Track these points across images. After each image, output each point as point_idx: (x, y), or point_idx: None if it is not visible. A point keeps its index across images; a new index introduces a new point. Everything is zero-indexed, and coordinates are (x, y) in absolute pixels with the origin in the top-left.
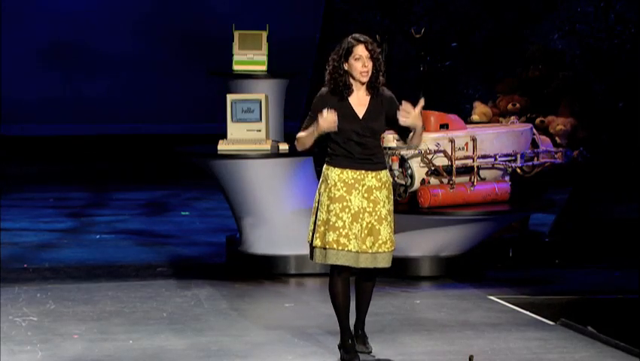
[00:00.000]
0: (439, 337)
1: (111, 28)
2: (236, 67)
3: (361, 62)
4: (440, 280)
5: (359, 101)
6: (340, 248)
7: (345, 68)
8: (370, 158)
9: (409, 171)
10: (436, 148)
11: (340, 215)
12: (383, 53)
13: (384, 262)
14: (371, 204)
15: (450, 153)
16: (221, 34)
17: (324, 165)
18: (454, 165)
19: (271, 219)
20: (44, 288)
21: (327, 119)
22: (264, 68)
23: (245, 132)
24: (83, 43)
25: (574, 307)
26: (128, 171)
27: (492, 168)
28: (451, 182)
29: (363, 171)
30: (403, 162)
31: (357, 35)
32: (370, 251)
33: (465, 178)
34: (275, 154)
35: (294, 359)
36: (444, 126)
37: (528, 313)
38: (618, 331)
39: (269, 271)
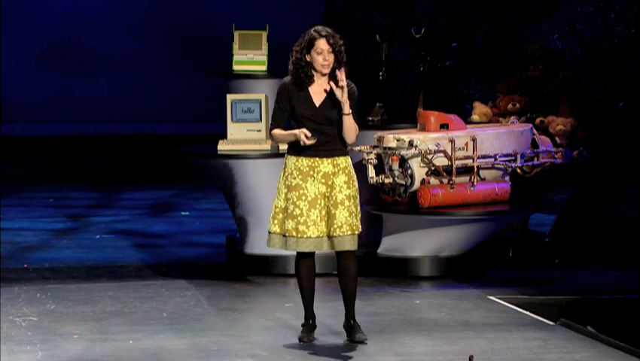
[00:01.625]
0: (439, 337)
1: (111, 28)
2: (236, 67)
3: (322, 56)
4: (440, 280)
5: (319, 90)
6: (299, 236)
7: (307, 59)
8: (324, 145)
9: (409, 171)
10: (436, 148)
11: (297, 203)
12: (383, 53)
13: (343, 245)
14: (328, 190)
15: (450, 153)
16: (221, 34)
17: (285, 154)
18: (454, 165)
19: None
20: (44, 288)
21: (307, 143)
22: (264, 68)
23: (245, 132)
24: (83, 43)
25: (574, 307)
26: (128, 171)
27: (492, 168)
28: (451, 182)
29: (317, 159)
30: (403, 162)
31: (319, 28)
32: (329, 235)
33: (465, 178)
34: (275, 154)
35: (294, 359)
36: (444, 126)
37: (528, 313)
38: (618, 331)
39: (269, 271)
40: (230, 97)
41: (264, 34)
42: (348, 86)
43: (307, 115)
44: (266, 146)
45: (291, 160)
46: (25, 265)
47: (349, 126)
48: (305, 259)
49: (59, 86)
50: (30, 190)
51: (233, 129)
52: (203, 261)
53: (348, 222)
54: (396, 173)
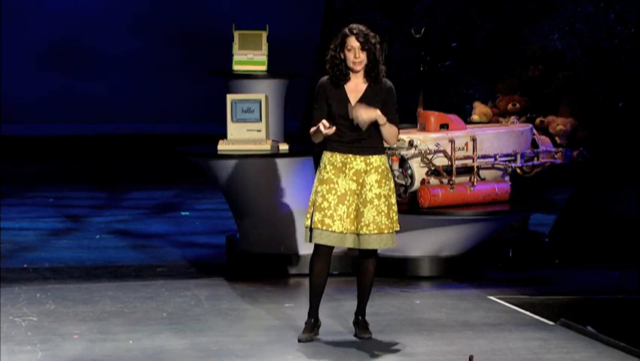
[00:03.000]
0: (439, 337)
1: (111, 28)
2: (236, 67)
3: (352, 53)
4: (440, 280)
5: (355, 88)
6: (324, 228)
7: (342, 57)
8: (359, 142)
9: (409, 171)
10: (436, 148)
11: (327, 196)
12: (383, 53)
13: (368, 244)
14: (359, 187)
15: (450, 153)
16: (221, 34)
17: (323, 149)
18: (454, 165)
19: (271, 219)
20: (44, 288)
21: (327, 132)
22: (264, 68)
23: (245, 132)
24: (83, 43)
25: (574, 307)
26: (128, 171)
27: (492, 168)
28: (451, 182)
29: (350, 155)
30: (403, 162)
31: (352, 26)
32: (355, 233)
33: (465, 178)
34: (275, 154)
35: (294, 359)
36: (444, 126)
37: (528, 313)
38: (618, 331)
39: (269, 271)
40: (230, 97)
41: (264, 34)
42: (385, 84)
43: (343, 113)
44: (266, 146)
45: (326, 155)
46: (25, 265)
47: (387, 134)
48: (322, 255)
49: (59, 86)
50: (30, 190)
51: (233, 129)
52: (203, 261)
53: (375, 222)
54: (396, 173)
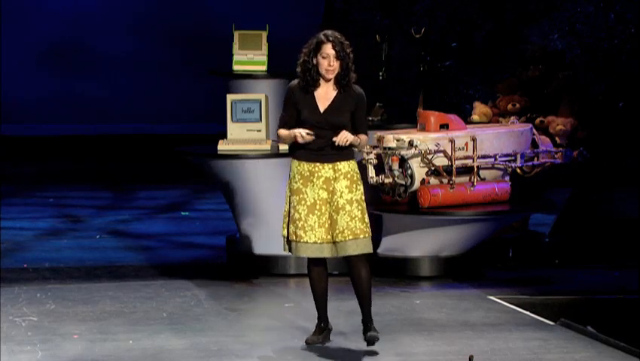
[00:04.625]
0: (439, 337)
1: (111, 28)
2: (236, 67)
3: (327, 61)
4: (440, 280)
5: (324, 95)
6: (298, 240)
7: (314, 62)
8: (325, 150)
9: (409, 171)
10: (436, 148)
11: (297, 208)
12: (383, 53)
13: (345, 251)
14: (330, 195)
15: (450, 153)
16: (221, 34)
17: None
18: (454, 165)
19: (271, 219)
20: (44, 288)
21: (305, 140)
22: (264, 68)
23: (245, 132)
24: (83, 43)
25: (574, 307)
26: (128, 171)
27: (492, 168)
28: (451, 182)
29: (318, 164)
30: (403, 162)
31: (328, 32)
32: (332, 241)
33: (465, 178)
34: (275, 154)
35: (294, 359)
36: (444, 126)
37: (528, 313)
38: (618, 331)
39: (269, 271)
40: (230, 97)
41: (264, 34)
42: (355, 91)
43: (311, 120)
44: (266, 146)
45: (294, 164)
46: (25, 265)
47: (360, 147)
48: (314, 264)
49: (59, 86)
50: (30, 190)
51: (233, 129)
52: (203, 261)
53: (349, 227)
54: (396, 173)
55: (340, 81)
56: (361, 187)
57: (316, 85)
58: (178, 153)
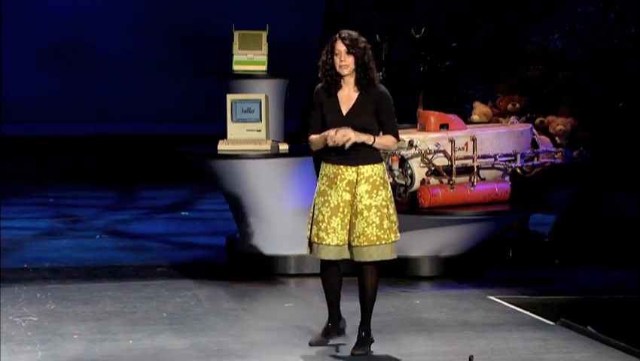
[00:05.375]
0: (439, 337)
1: (111, 28)
2: (236, 67)
3: (338, 57)
4: (440, 280)
5: (347, 97)
6: (320, 242)
7: (332, 63)
8: (349, 153)
9: (409, 171)
10: (436, 148)
11: (322, 209)
12: (383, 53)
13: (360, 256)
14: (352, 199)
15: (450, 153)
16: (221, 34)
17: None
18: (454, 165)
19: (271, 219)
20: (44, 288)
21: (334, 141)
22: (264, 68)
23: (245, 132)
24: (83, 43)
25: (574, 307)
26: (128, 171)
27: (492, 168)
28: (451, 182)
29: (342, 166)
30: (403, 162)
31: (342, 31)
32: (350, 244)
33: (465, 178)
34: (275, 154)
35: (294, 359)
36: (444, 126)
37: (528, 313)
38: (618, 331)
39: (269, 271)
40: (230, 97)
41: (264, 34)
42: (377, 89)
43: (334, 123)
44: (266, 146)
45: (322, 166)
46: (25, 265)
47: (382, 147)
48: (327, 267)
49: (59, 86)
50: (30, 190)
51: (233, 129)
52: (203, 261)
53: (365, 233)
54: (396, 173)
55: (360, 81)
56: (385, 192)
57: (338, 86)
58: (178, 153)
